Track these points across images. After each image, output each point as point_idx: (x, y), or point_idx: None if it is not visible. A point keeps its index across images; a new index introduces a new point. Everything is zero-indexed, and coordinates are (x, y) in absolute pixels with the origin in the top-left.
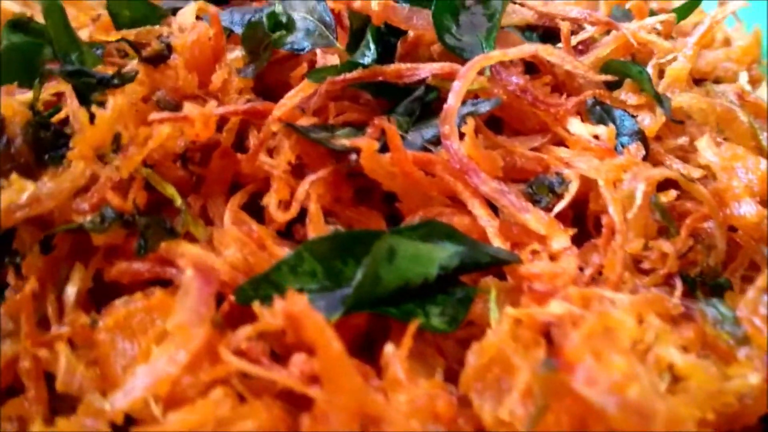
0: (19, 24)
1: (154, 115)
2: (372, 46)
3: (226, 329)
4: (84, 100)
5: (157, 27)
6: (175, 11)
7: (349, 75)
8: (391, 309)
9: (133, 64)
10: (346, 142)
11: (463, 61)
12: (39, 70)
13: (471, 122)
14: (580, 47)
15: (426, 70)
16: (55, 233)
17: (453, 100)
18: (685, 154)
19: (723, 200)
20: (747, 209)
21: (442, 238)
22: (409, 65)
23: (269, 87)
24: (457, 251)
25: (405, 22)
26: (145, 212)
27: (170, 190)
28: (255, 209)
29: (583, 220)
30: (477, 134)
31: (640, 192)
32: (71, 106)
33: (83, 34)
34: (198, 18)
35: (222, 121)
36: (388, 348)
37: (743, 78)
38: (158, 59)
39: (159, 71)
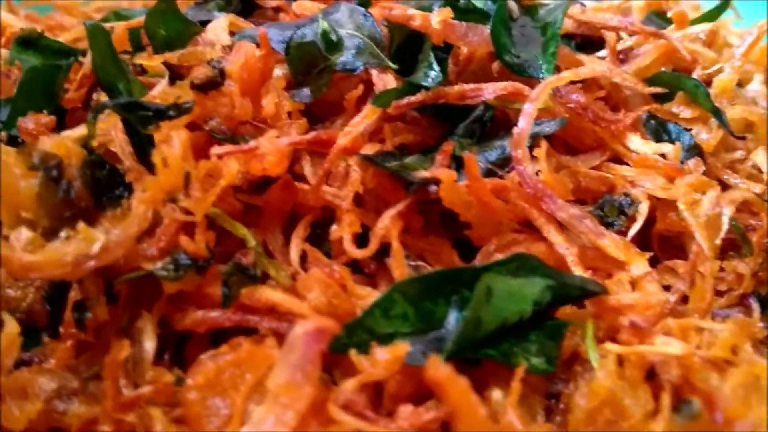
0: (29, 41)
1: (218, 149)
2: (435, 67)
3: (331, 385)
4: (132, 133)
5: (199, 49)
6: (203, 24)
7: (412, 98)
8: (490, 351)
9: (180, 87)
10: (426, 174)
11: (523, 79)
12: (57, 96)
13: (544, 145)
14: (620, 56)
15: (490, 90)
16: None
17: (525, 124)
18: (733, 165)
19: None
20: None
21: (531, 272)
22: (472, 86)
23: (318, 108)
24: (549, 285)
25: (461, 39)
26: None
27: (242, 231)
28: (310, 238)
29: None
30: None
31: (726, 217)
32: (119, 141)
33: None
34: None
35: None
36: (497, 395)
37: (758, 81)
38: (210, 86)
39: (210, 98)
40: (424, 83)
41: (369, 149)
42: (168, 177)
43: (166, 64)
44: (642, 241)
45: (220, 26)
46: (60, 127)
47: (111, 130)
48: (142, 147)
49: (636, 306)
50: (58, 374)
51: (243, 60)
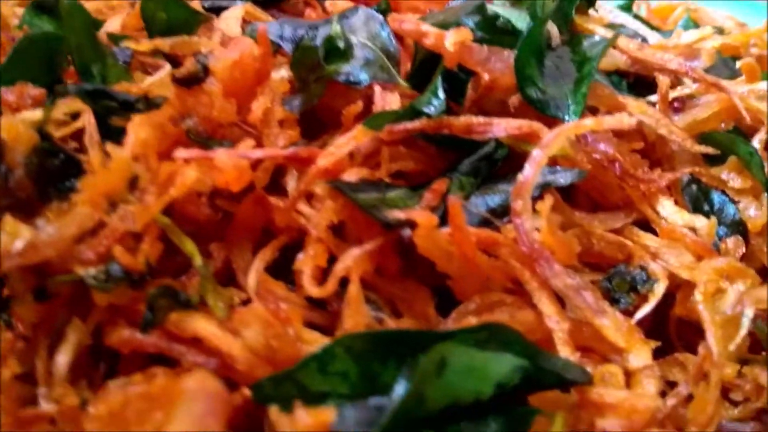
0: (45, 5)
1: (180, 153)
2: (441, 94)
3: None
4: (102, 123)
5: (195, 39)
6: (218, 11)
7: (410, 125)
8: None
9: (160, 80)
10: (400, 215)
11: (544, 117)
12: (57, 69)
13: (549, 199)
14: (675, 104)
15: (501, 127)
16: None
17: (530, 172)
18: None
19: None
20: None
21: (503, 346)
22: (481, 120)
23: (317, 117)
24: (520, 366)
25: (481, 66)
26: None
27: (189, 247)
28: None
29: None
30: (552, 210)
31: (747, 320)
32: (89, 133)
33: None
34: (245, 22)
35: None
36: None
37: None
38: (192, 81)
39: (192, 94)
40: (426, 110)
41: (354, 174)
42: (106, 178)
43: (158, 51)
44: (657, 323)
45: (233, 16)
46: None
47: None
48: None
49: (619, 407)
50: None
51: (236, 57)
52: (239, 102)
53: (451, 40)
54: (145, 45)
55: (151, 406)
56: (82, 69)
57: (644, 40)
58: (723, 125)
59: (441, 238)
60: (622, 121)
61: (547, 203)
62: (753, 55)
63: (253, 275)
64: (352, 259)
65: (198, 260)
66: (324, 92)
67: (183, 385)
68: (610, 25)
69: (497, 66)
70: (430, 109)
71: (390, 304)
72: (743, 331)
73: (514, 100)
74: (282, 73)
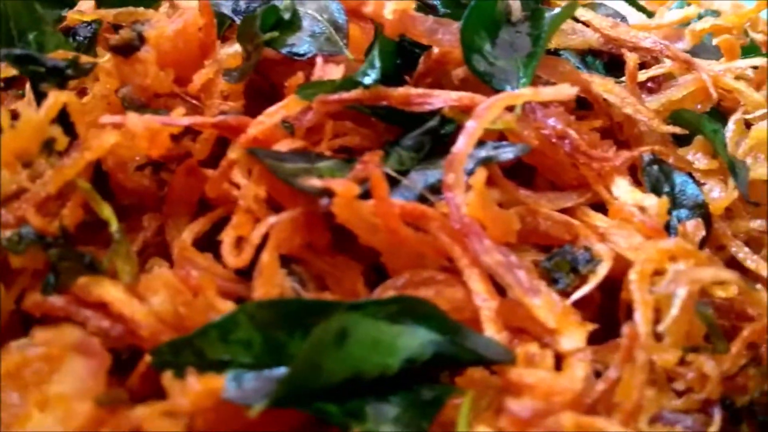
0: None
1: (104, 119)
2: (377, 63)
3: (122, 406)
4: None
5: (140, 10)
6: None
7: (345, 95)
8: (330, 406)
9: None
10: (317, 183)
11: (491, 91)
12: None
13: (482, 173)
14: (649, 84)
15: (440, 99)
16: None
17: (463, 144)
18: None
19: None
20: None
21: (417, 320)
22: (420, 91)
23: (266, 92)
24: (433, 340)
25: (427, 36)
26: (79, 234)
27: (106, 212)
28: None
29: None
30: (493, 186)
31: (678, 300)
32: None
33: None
34: None
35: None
36: None
37: None
38: (127, 50)
39: (129, 64)
40: (362, 80)
41: (286, 145)
42: (14, 139)
43: (98, 21)
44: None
45: None
46: None
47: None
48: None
49: (536, 389)
50: None
51: (179, 26)
52: (185, 73)
53: (390, 8)
54: (88, 15)
55: (51, 368)
56: (18, 36)
57: (623, 19)
58: (699, 106)
59: (363, 209)
60: (561, 91)
61: (479, 176)
62: (758, 40)
63: (177, 244)
64: (267, 227)
65: (114, 225)
66: (263, 62)
67: (62, 346)
68: (590, 5)
69: (446, 38)
70: (366, 79)
71: (319, 279)
72: (674, 311)
73: (460, 71)
74: (236, 48)
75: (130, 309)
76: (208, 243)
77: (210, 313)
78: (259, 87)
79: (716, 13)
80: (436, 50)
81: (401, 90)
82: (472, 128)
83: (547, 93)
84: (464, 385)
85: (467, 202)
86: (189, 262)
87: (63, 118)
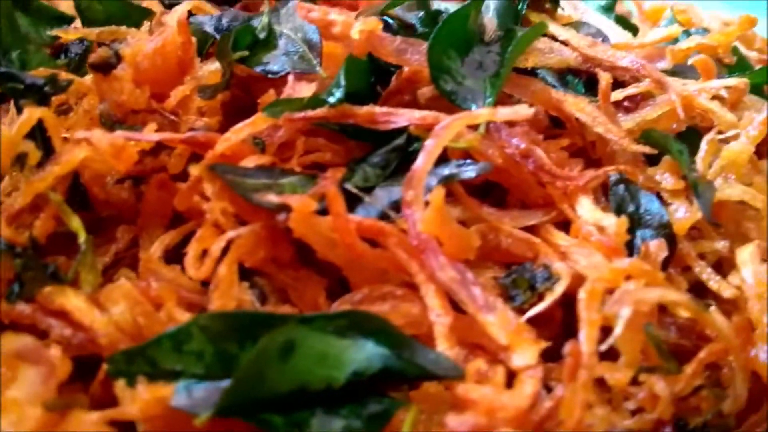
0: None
1: (78, 134)
2: (343, 81)
3: (73, 412)
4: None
5: (123, 28)
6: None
7: (311, 113)
8: (275, 417)
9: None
10: (273, 199)
11: (457, 109)
12: None
13: (440, 190)
14: (626, 104)
15: (404, 117)
16: None
17: (422, 162)
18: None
19: (749, 337)
20: None
21: (365, 334)
22: (385, 110)
23: (248, 109)
24: (381, 354)
25: (396, 56)
26: (54, 245)
27: (75, 224)
28: None
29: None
30: (456, 204)
31: (622, 320)
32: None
33: None
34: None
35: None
36: None
37: None
38: (105, 67)
39: (107, 81)
40: (328, 99)
41: (252, 161)
42: None
43: (82, 40)
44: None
45: (180, 9)
46: None
47: None
48: None
49: (480, 403)
50: None
51: (160, 45)
52: (165, 89)
53: (357, 29)
54: (71, 34)
55: (14, 374)
56: (2, 54)
57: (605, 39)
58: (675, 126)
59: (321, 225)
60: (518, 112)
61: (437, 193)
62: (754, 59)
63: (141, 255)
64: (226, 240)
65: (82, 236)
66: (246, 79)
67: (6, 353)
68: (572, 24)
69: (414, 57)
70: (331, 98)
71: (282, 292)
72: (617, 330)
73: (426, 91)
74: (218, 65)
75: (90, 318)
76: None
77: (169, 324)
78: (243, 104)
79: (707, 32)
80: (406, 69)
81: (366, 108)
82: (430, 146)
83: (504, 113)
84: (419, 400)
85: (422, 219)
86: (153, 274)
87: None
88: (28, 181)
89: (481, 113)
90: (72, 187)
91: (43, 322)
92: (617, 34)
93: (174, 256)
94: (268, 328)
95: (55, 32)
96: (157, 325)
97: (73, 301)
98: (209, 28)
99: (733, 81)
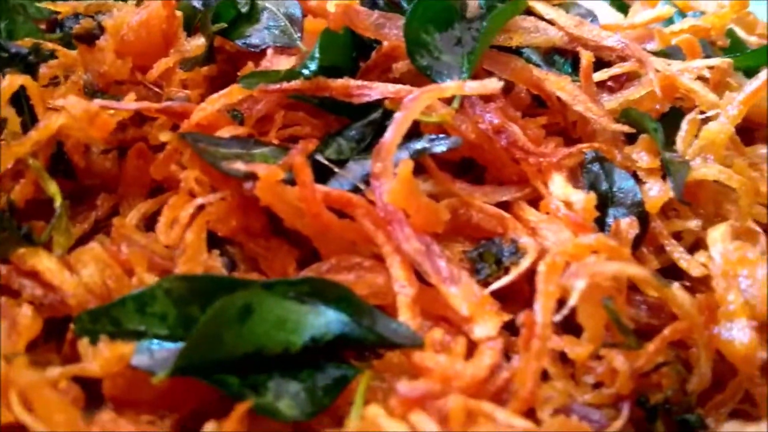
0: None
1: (59, 102)
2: (317, 54)
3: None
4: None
5: (110, 2)
6: None
7: (285, 85)
8: (231, 378)
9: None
10: (241, 167)
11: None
12: None
13: (408, 163)
14: (610, 83)
15: (378, 91)
16: None
17: (391, 134)
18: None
19: (713, 315)
20: (738, 335)
21: (326, 301)
22: (359, 83)
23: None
24: (340, 321)
25: (374, 30)
26: (33, 213)
27: (52, 189)
28: None
29: None
30: (427, 177)
31: (576, 292)
32: None
33: None
34: None
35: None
36: (208, 427)
37: None
38: (87, 38)
39: (90, 52)
40: (303, 71)
41: (227, 131)
42: None
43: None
44: None
45: None
46: None
47: None
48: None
49: (433, 371)
50: None
51: (144, 18)
52: (150, 62)
53: (333, 2)
54: (62, 7)
55: None
56: None
57: (594, 19)
58: (658, 106)
59: (288, 194)
60: (487, 86)
61: (405, 166)
62: (755, 44)
63: (115, 221)
64: (195, 207)
65: (57, 200)
66: (234, 53)
67: None
68: (562, 4)
69: (392, 32)
70: (306, 71)
71: (253, 261)
72: (571, 302)
73: (401, 65)
74: (202, 40)
75: (60, 279)
76: None
77: (141, 287)
78: (232, 79)
79: (702, 14)
80: (386, 44)
81: (341, 81)
82: (399, 119)
83: (472, 87)
84: (382, 369)
85: (389, 190)
86: (125, 239)
87: None
88: (7, 146)
89: (449, 86)
90: (57, 156)
91: (15, 282)
92: (610, 15)
93: (153, 224)
94: (230, 293)
95: (44, 4)
96: (125, 288)
97: (45, 262)
98: (197, 3)
99: (715, 61)
